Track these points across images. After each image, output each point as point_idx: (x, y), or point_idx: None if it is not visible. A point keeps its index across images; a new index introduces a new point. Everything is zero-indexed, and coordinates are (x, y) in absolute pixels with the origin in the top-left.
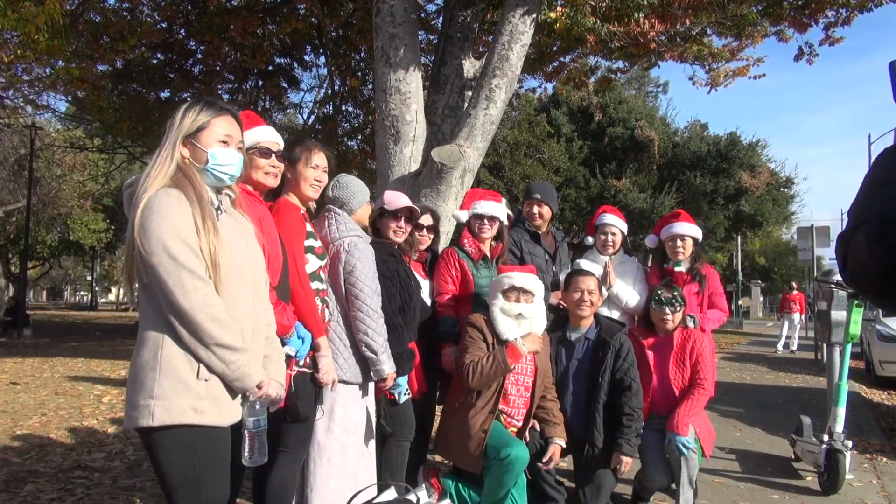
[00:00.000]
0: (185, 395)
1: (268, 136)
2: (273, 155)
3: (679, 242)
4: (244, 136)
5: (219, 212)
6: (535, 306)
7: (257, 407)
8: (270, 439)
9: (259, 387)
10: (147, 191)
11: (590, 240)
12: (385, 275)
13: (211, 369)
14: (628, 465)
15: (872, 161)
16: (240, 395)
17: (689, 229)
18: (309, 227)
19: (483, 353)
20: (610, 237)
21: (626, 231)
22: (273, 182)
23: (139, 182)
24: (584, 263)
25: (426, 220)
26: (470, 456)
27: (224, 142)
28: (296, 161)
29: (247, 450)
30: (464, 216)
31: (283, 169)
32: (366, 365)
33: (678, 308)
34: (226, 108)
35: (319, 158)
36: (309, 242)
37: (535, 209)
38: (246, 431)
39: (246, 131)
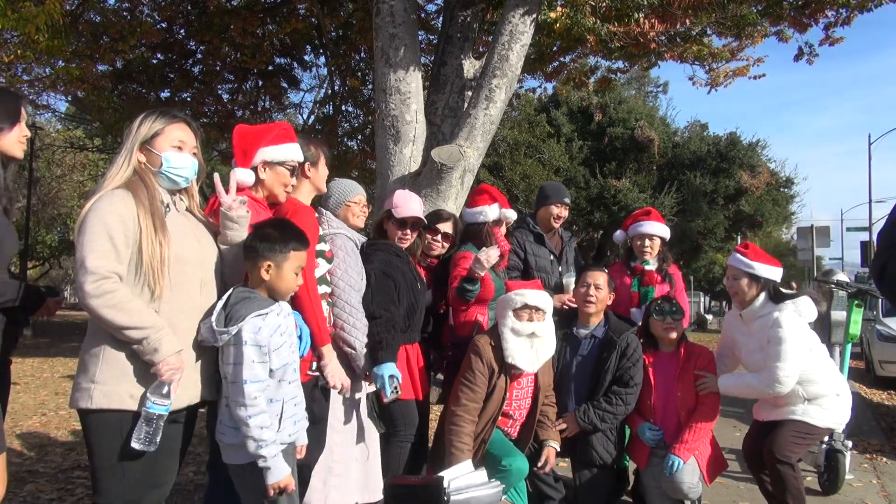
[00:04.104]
0: (123, 382)
1: (299, 155)
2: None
3: (647, 242)
4: (287, 148)
5: (167, 209)
6: (547, 324)
7: (164, 391)
8: None
9: (171, 368)
10: (96, 192)
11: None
12: (390, 275)
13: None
14: (565, 430)
15: None
16: (198, 381)
17: (657, 229)
18: (321, 230)
19: (472, 403)
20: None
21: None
22: (283, 199)
23: (97, 185)
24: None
25: (446, 227)
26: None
27: (178, 147)
28: (315, 160)
29: (135, 431)
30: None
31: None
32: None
33: (679, 318)
34: (180, 116)
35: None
36: (320, 247)
37: (560, 212)
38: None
39: (285, 144)
